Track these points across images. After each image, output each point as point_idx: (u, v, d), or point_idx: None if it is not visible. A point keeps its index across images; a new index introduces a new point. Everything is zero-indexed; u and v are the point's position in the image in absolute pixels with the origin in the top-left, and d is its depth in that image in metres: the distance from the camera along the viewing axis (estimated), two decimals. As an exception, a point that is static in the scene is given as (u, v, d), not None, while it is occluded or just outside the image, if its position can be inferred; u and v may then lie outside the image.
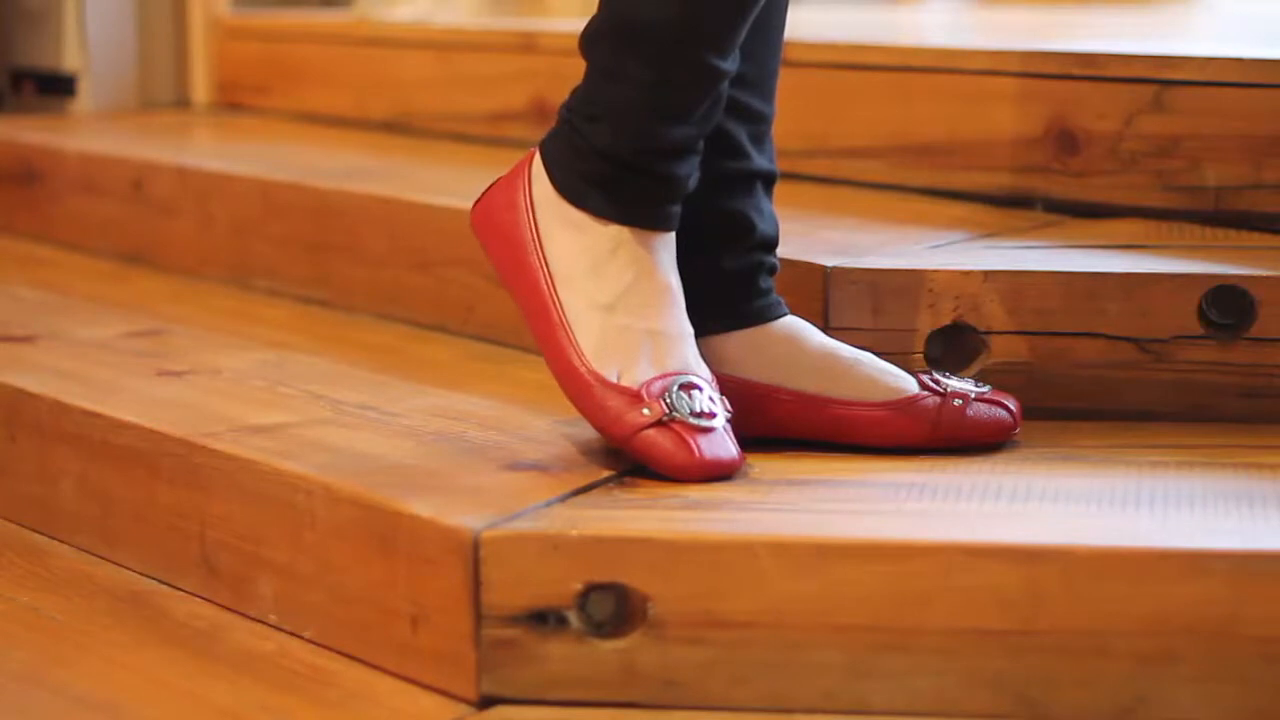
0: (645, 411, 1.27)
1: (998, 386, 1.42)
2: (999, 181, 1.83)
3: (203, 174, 2.11)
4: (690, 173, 1.33)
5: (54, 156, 2.34)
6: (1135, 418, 1.47)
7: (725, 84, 1.32)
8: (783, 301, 1.41)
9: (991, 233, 1.68)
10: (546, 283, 1.33)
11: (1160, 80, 1.72)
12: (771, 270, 1.41)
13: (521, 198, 1.36)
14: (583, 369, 1.30)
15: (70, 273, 2.14)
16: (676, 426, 1.27)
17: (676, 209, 1.34)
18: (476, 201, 1.41)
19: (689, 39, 1.29)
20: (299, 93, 2.62)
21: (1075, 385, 1.47)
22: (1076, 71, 1.77)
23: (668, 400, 1.28)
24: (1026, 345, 1.47)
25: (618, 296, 1.31)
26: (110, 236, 2.22)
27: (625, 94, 1.30)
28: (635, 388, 1.29)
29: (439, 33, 2.44)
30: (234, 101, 2.73)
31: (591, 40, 1.34)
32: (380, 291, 1.86)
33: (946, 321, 1.48)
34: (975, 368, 1.47)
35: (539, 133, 2.15)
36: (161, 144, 2.38)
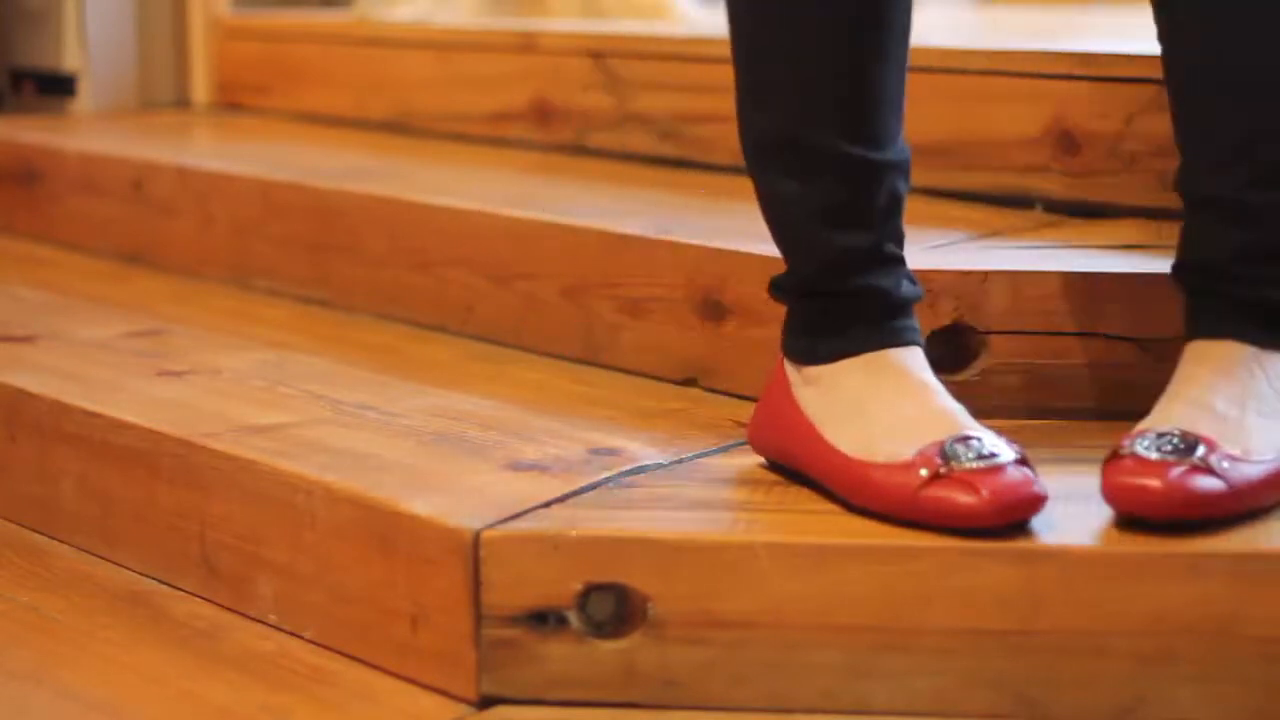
0: (923, 472, 1.18)
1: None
2: (999, 181, 1.82)
3: (203, 174, 2.11)
4: (894, 286, 1.27)
5: (54, 156, 2.34)
6: (1135, 418, 1.46)
7: (890, 175, 1.26)
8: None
9: (991, 233, 1.67)
10: (836, 454, 1.25)
11: (1160, 80, 1.71)
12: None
13: (782, 402, 1.30)
14: (854, 462, 1.23)
15: (70, 273, 2.14)
16: (957, 475, 1.18)
17: (903, 323, 1.28)
18: (750, 427, 1.35)
19: (818, 131, 1.24)
20: (299, 93, 2.62)
21: (1075, 385, 1.47)
22: (1076, 71, 1.76)
23: (943, 454, 1.19)
24: (1026, 345, 1.47)
25: (883, 427, 1.23)
26: (110, 236, 2.22)
27: (783, 211, 1.27)
28: (907, 459, 1.20)
29: (439, 33, 2.44)
30: (234, 101, 2.73)
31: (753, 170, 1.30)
32: (380, 291, 1.86)
33: (946, 321, 1.48)
34: (975, 368, 1.47)
35: (539, 133, 2.17)
36: (161, 144, 2.38)
